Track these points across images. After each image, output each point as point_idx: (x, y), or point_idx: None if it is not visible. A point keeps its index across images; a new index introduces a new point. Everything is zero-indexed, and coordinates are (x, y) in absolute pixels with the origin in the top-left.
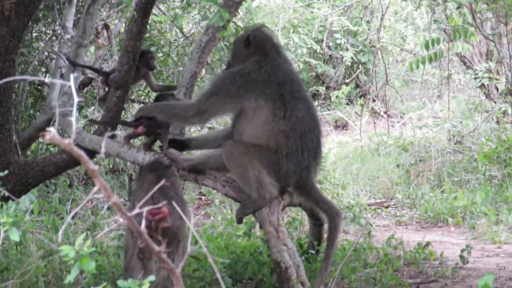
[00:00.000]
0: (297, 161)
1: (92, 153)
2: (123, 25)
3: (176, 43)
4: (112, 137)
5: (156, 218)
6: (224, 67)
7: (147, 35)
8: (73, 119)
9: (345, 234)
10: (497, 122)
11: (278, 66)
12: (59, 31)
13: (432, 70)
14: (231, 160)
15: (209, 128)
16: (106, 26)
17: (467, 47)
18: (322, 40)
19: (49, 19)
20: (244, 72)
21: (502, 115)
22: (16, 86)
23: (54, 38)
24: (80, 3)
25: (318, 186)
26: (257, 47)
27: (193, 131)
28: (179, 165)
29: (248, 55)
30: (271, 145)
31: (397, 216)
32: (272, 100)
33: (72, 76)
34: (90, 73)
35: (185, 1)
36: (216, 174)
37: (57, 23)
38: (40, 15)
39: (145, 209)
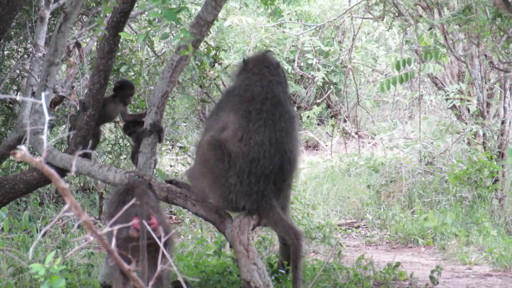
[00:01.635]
0: (245, 184)
1: (63, 171)
2: (95, 43)
3: (147, 62)
4: (84, 156)
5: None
6: (195, 86)
7: (119, 53)
8: (44, 137)
9: (315, 254)
10: (468, 143)
11: (258, 81)
12: (31, 49)
13: (403, 91)
14: (197, 150)
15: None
16: (78, 45)
17: (438, 68)
18: (294, 60)
19: (21, 37)
20: (229, 89)
21: (473, 136)
22: None
23: (26, 56)
24: (52, 22)
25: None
26: (250, 67)
27: (164, 148)
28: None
29: (240, 75)
30: (226, 162)
31: (367, 236)
32: (240, 116)
33: (43, 94)
34: (61, 92)
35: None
36: (187, 193)
37: (29, 41)
38: (12, 33)
39: (125, 223)
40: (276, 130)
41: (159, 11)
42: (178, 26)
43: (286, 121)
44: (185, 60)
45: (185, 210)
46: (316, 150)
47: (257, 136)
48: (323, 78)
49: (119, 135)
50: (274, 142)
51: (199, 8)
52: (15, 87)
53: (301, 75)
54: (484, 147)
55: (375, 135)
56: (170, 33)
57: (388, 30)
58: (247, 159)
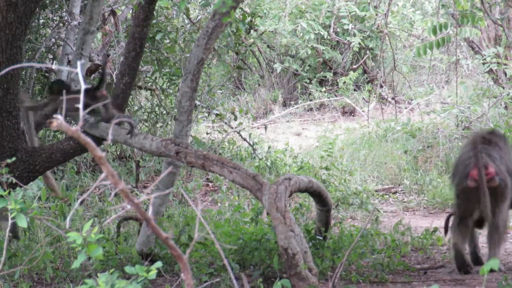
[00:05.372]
0: None
1: (99, 140)
2: (130, 11)
3: (183, 29)
4: (119, 124)
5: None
6: (231, 53)
7: (154, 21)
8: (80, 106)
9: (352, 220)
10: (505, 107)
11: None
12: (66, 18)
13: (440, 56)
14: None
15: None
16: (113, 12)
17: (475, 32)
18: (330, 26)
19: (56, 6)
20: None
21: (510, 100)
22: (24, 73)
23: (61, 24)
24: None
25: (325, 172)
26: None
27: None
28: None
29: None
30: None
31: (404, 202)
32: None
33: (79, 62)
34: (97, 60)
35: None
36: (224, 160)
37: (64, 10)
38: (47, 1)
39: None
40: None
41: None
42: None
43: None
44: (220, 27)
45: (222, 177)
46: (353, 116)
47: None
48: (359, 44)
49: (155, 103)
50: None
51: None
52: (50, 56)
53: (337, 41)
54: None
55: (411, 100)
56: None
57: None
58: None
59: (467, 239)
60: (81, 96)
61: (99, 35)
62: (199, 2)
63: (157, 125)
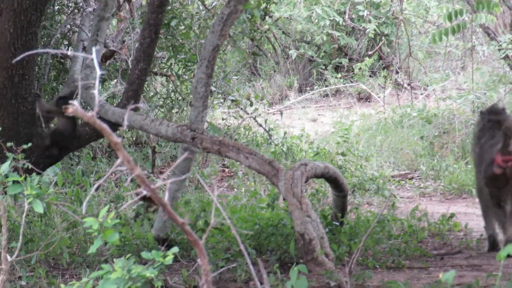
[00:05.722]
0: None
1: (115, 126)
2: None
3: (198, 16)
4: (135, 110)
5: (509, 165)
6: (246, 39)
7: (169, 7)
8: (95, 92)
9: (369, 206)
10: None
11: None
12: (81, 4)
13: (455, 42)
14: None
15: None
16: None
17: (490, 18)
18: (345, 12)
19: None
20: None
21: None
22: (39, 59)
23: (76, 11)
24: None
25: (341, 157)
26: None
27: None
28: None
29: None
30: None
31: (421, 187)
32: None
33: (94, 49)
34: (112, 46)
35: None
36: (239, 146)
37: None
38: None
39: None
40: None
41: None
42: None
43: None
44: (235, 13)
45: (238, 163)
46: (369, 102)
47: None
48: (375, 30)
49: (171, 89)
50: None
51: None
52: (66, 42)
53: (352, 27)
54: None
55: (427, 86)
56: None
57: None
58: None
59: (501, 222)
60: (97, 81)
61: (114, 21)
62: None
63: (173, 111)
